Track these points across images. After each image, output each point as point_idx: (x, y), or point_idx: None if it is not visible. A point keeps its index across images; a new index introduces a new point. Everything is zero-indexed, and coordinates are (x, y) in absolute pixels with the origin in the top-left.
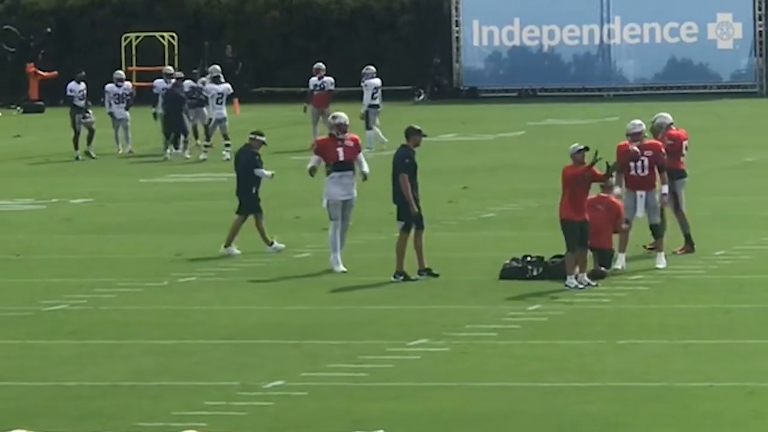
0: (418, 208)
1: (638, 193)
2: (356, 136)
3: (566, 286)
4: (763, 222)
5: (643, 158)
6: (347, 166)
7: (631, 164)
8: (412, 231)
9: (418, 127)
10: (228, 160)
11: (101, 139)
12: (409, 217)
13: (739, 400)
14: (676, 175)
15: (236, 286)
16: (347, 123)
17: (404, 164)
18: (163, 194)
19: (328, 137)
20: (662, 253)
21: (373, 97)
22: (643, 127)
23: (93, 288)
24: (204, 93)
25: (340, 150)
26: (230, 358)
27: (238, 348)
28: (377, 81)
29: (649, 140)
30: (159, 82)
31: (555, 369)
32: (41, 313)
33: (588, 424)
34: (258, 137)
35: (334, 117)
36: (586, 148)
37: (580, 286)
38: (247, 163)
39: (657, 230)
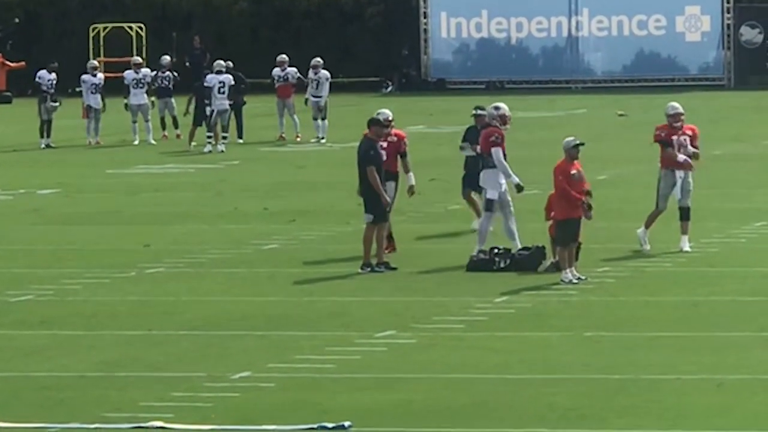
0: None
1: (678, 173)
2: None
3: (562, 280)
4: (730, 215)
5: (684, 139)
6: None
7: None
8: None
9: (379, 118)
10: (222, 152)
11: (70, 130)
12: (379, 210)
13: (707, 393)
14: (393, 176)
15: (204, 277)
16: (509, 114)
17: (370, 156)
18: (131, 185)
19: (499, 129)
20: (686, 236)
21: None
22: (681, 110)
23: (60, 279)
24: (205, 84)
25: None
26: (197, 349)
27: (206, 339)
28: None
29: (687, 125)
30: (128, 73)
31: (522, 361)
32: (8, 303)
33: (555, 416)
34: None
35: (497, 108)
36: (582, 144)
37: (575, 280)
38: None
39: (686, 213)
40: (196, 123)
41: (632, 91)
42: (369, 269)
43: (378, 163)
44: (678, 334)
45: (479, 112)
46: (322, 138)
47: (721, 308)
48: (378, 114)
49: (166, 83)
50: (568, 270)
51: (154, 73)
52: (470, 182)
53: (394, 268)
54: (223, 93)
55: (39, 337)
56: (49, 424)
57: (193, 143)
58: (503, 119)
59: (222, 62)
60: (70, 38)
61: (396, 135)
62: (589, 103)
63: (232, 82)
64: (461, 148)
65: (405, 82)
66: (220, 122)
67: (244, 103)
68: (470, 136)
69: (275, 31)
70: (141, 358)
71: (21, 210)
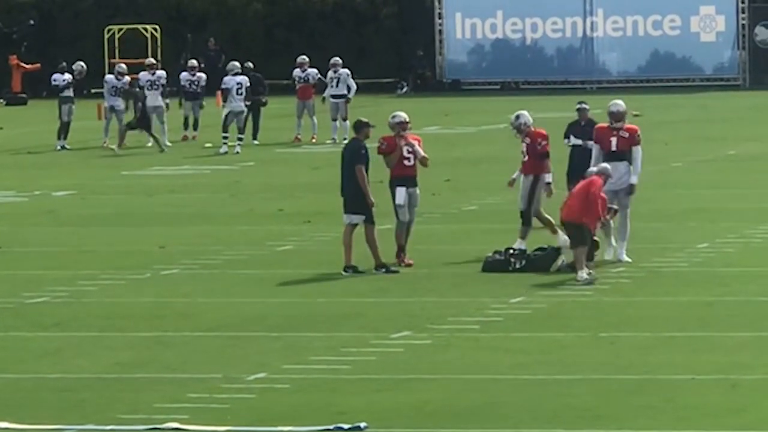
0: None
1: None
2: (635, 127)
3: (577, 281)
4: (745, 215)
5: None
6: (619, 156)
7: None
8: (359, 225)
9: (365, 120)
10: (238, 153)
11: (85, 132)
12: (369, 210)
13: (721, 392)
14: (416, 182)
15: (219, 278)
16: (624, 111)
17: (361, 155)
18: (146, 186)
19: (606, 127)
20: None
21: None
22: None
23: (75, 280)
24: (223, 86)
25: (613, 140)
26: (213, 350)
27: (221, 340)
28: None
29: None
30: (143, 75)
31: (537, 361)
32: (23, 305)
33: (570, 416)
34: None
35: (616, 104)
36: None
37: (590, 280)
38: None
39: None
40: (135, 126)
41: (647, 91)
42: (384, 270)
43: (367, 163)
44: (693, 334)
45: (582, 106)
46: (345, 139)
47: (736, 308)
48: (394, 116)
49: (195, 87)
50: (582, 270)
51: (184, 74)
52: (576, 176)
53: (363, 272)
54: (241, 94)
55: (54, 338)
56: (64, 425)
57: (118, 149)
58: (618, 117)
59: (237, 63)
60: (84, 40)
61: (414, 139)
62: (604, 103)
63: (248, 83)
64: (568, 139)
65: (420, 83)
66: (236, 123)
67: (265, 103)
68: (573, 130)
69: (290, 32)
70: (156, 360)
71: (36, 212)
